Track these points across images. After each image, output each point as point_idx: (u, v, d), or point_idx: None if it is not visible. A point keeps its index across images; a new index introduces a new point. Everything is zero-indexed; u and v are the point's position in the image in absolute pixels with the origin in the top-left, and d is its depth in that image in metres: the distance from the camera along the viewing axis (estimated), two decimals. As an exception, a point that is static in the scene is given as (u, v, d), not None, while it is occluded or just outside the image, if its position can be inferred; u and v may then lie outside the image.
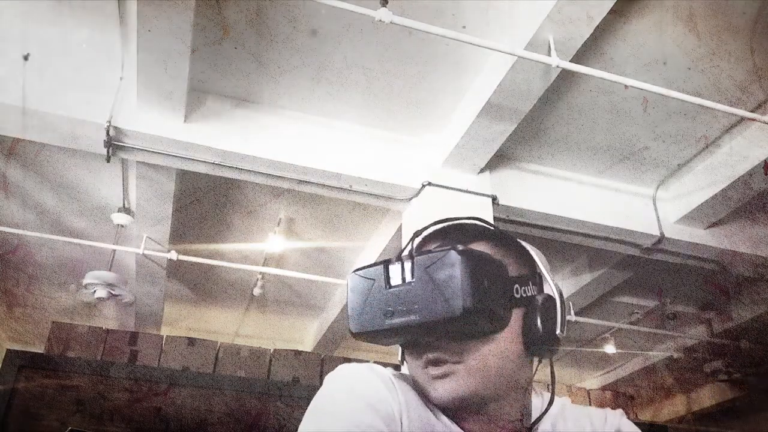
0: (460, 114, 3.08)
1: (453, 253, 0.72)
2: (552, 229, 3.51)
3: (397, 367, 0.86)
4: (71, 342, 3.45)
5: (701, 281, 4.42)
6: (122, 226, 3.91)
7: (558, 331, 0.77)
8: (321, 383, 0.78)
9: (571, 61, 2.51)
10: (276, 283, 4.94)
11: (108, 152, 2.90)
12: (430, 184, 3.19)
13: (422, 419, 0.76)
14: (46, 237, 4.03)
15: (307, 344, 5.94)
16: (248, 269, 4.31)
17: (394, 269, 0.76)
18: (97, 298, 3.94)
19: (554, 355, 0.81)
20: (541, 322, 0.77)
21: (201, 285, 5.18)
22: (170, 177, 3.35)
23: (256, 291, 4.92)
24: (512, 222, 3.43)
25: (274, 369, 3.61)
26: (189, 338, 3.62)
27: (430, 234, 0.86)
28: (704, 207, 3.48)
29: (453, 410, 0.78)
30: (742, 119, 3.10)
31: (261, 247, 4.38)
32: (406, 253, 0.79)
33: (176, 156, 3.00)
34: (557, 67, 2.45)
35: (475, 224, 0.84)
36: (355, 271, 0.79)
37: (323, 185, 3.20)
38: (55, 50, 2.85)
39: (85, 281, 3.91)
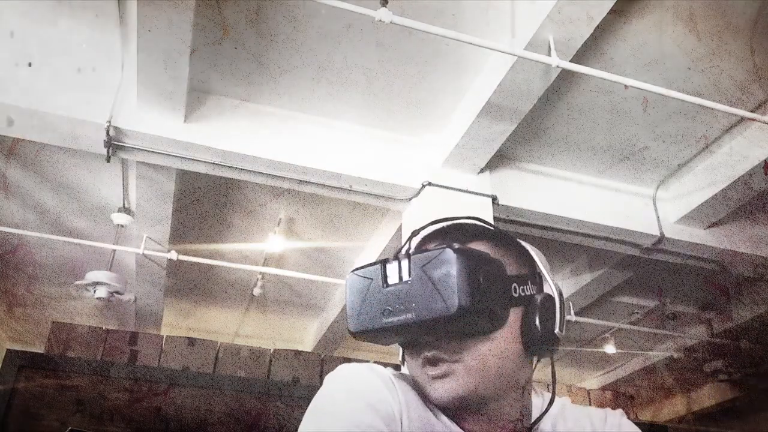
0: (460, 114, 3.08)
1: (449, 251, 0.72)
2: (552, 229, 3.51)
3: (397, 367, 0.86)
4: (71, 342, 3.45)
5: (701, 281, 4.42)
6: (122, 226, 3.91)
7: (557, 331, 0.78)
8: (321, 383, 0.78)
9: (571, 61, 2.51)
10: (276, 283, 4.94)
11: (108, 152, 2.90)
12: (430, 184, 3.19)
13: (422, 419, 0.76)
14: (46, 237, 4.03)
15: (307, 344, 5.94)
16: (248, 269, 4.31)
17: (392, 268, 0.76)
18: (97, 298, 3.94)
19: (554, 354, 0.81)
20: (540, 322, 0.77)
21: (201, 285, 5.18)
22: (170, 177, 3.35)
23: (256, 291, 4.92)
24: (512, 222, 3.43)
25: (274, 369, 3.61)
26: (189, 338, 3.62)
27: (429, 234, 0.86)
28: (704, 207, 3.48)
29: (453, 410, 0.78)
30: (742, 119, 3.10)
31: (261, 247, 4.38)
32: (403, 252, 0.79)
33: (176, 156, 3.00)
34: (557, 67, 2.45)
35: (474, 224, 0.84)
36: (353, 270, 0.80)
37: (323, 185, 3.20)
38: (55, 50, 2.85)
39: (85, 281, 3.91)
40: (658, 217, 3.58)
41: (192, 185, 3.72)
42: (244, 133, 3.05)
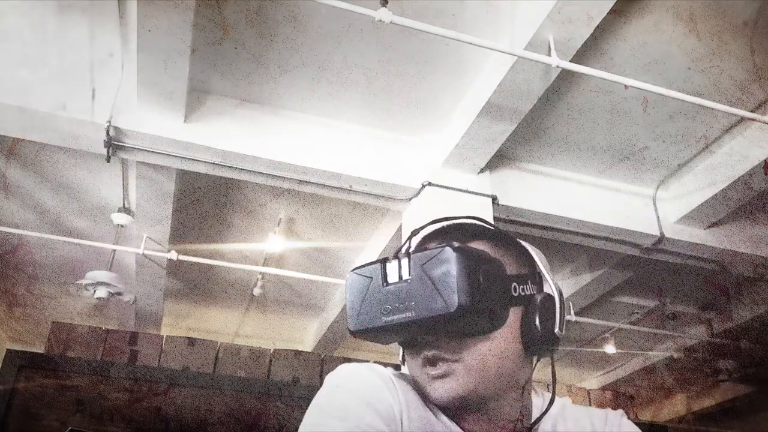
0: (460, 114, 3.08)
1: (448, 249, 0.72)
2: (552, 229, 3.51)
3: (397, 367, 0.86)
4: (71, 342, 3.45)
5: (701, 281, 4.42)
6: (122, 226, 3.91)
7: (557, 331, 0.78)
8: (321, 383, 0.78)
9: (571, 61, 2.51)
10: (276, 283, 4.94)
11: (108, 152, 2.90)
12: (430, 184, 3.19)
13: (422, 419, 0.76)
14: (46, 237, 4.03)
15: (307, 344, 5.94)
16: (248, 269, 4.31)
17: (391, 267, 0.76)
18: (97, 298, 3.94)
19: (554, 354, 0.81)
20: (540, 321, 0.77)
21: (201, 285, 5.18)
22: (170, 177, 3.35)
23: (256, 291, 4.92)
24: (512, 222, 3.43)
25: (274, 369, 3.61)
26: (189, 338, 3.62)
27: (429, 233, 0.87)
28: (704, 207, 3.48)
29: (453, 410, 0.78)
30: (742, 119, 3.10)
31: (261, 247, 4.38)
32: (403, 251, 0.79)
33: (176, 156, 3.00)
34: (557, 67, 2.45)
35: (474, 224, 0.84)
36: (353, 269, 0.80)
37: (323, 185, 3.20)
38: (55, 50, 2.85)
39: (85, 281, 3.91)
40: (658, 217, 3.58)
41: (192, 185, 3.72)
42: (244, 133, 3.05)
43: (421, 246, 0.84)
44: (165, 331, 5.37)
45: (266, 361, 3.63)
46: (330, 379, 0.78)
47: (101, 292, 3.89)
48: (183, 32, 2.46)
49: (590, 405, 4.43)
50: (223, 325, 5.92)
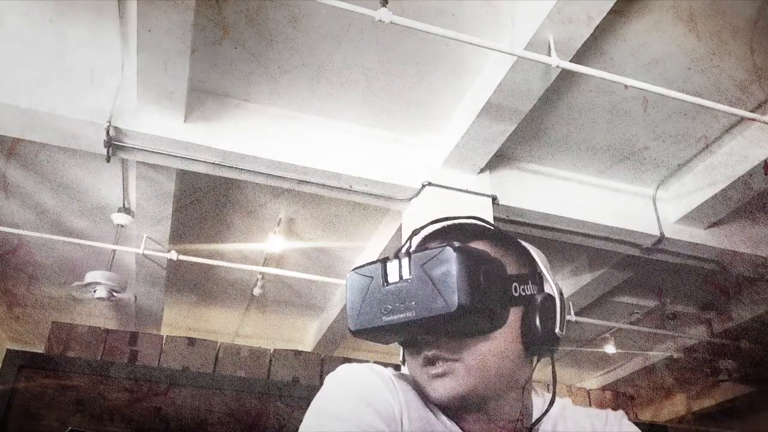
0: (460, 114, 3.08)
1: (449, 249, 0.72)
2: (552, 229, 3.51)
3: (397, 367, 0.86)
4: (71, 342, 3.45)
5: (701, 281, 4.41)
6: (122, 226, 3.91)
7: (557, 330, 0.77)
8: (321, 383, 0.78)
9: (571, 61, 2.51)
10: (276, 283, 4.94)
11: (108, 152, 2.90)
12: (430, 184, 3.19)
13: (422, 419, 0.76)
14: (46, 237, 4.03)
15: (307, 344, 5.94)
16: (248, 269, 4.31)
17: (392, 266, 0.76)
18: (97, 298, 3.94)
19: (554, 354, 0.81)
20: (541, 321, 0.77)
21: (201, 285, 5.18)
22: (170, 177, 3.35)
23: (256, 291, 4.92)
24: (512, 222, 3.43)
25: (274, 369, 3.61)
26: (189, 338, 3.62)
27: (429, 233, 0.87)
28: (704, 207, 3.48)
29: (453, 410, 0.78)
30: (742, 119, 3.10)
31: (261, 247, 4.38)
32: (403, 250, 0.79)
33: (176, 156, 3.00)
34: (557, 67, 2.45)
35: (475, 224, 0.84)
36: (354, 269, 0.80)
37: (323, 185, 3.20)
38: (55, 50, 2.85)
39: (85, 281, 3.91)
40: (658, 217, 3.58)
41: (192, 185, 3.72)
42: (244, 133, 3.05)
43: (422, 246, 0.84)
44: (165, 331, 5.37)
45: (266, 361, 3.63)
46: (330, 379, 0.78)
47: (101, 292, 3.89)
48: (183, 32, 2.46)
49: (590, 405, 4.43)
50: (223, 325, 5.92)
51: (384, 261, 0.77)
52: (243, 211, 4.08)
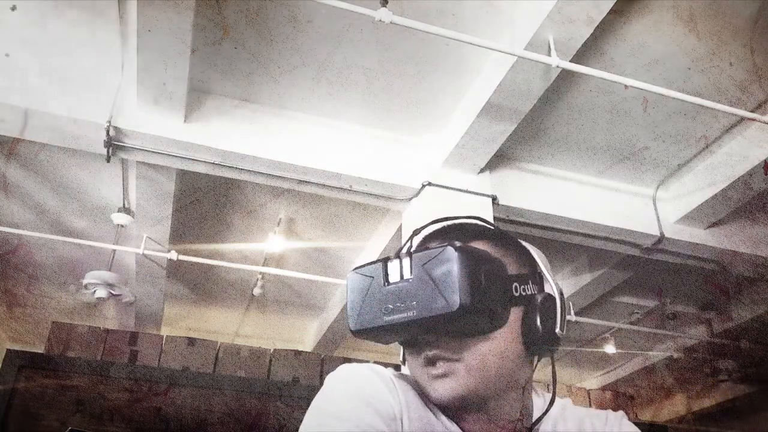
0: (460, 114, 3.08)
1: (450, 249, 0.72)
2: (552, 229, 3.51)
3: (397, 367, 0.86)
4: (71, 342, 3.46)
5: (701, 281, 4.41)
6: (122, 226, 3.91)
7: (558, 330, 0.77)
8: (321, 383, 0.78)
9: (571, 61, 2.51)
10: (276, 283, 4.94)
11: (108, 152, 2.90)
12: (430, 184, 3.19)
13: (422, 419, 0.76)
14: (46, 237, 4.03)
15: (307, 344, 5.94)
16: (248, 269, 4.31)
17: (393, 266, 0.76)
18: (97, 298, 3.94)
19: (554, 354, 0.81)
20: (541, 321, 0.77)
21: (201, 285, 5.18)
22: (170, 177, 3.35)
23: (256, 291, 4.92)
24: (512, 222, 3.43)
25: (274, 369, 3.61)
26: (189, 338, 3.62)
27: (430, 233, 0.87)
28: (704, 207, 3.48)
29: (453, 410, 0.78)
30: (742, 119, 3.10)
31: (261, 247, 4.38)
32: (404, 250, 0.79)
33: (176, 156, 3.00)
34: (557, 67, 2.45)
35: (475, 224, 0.84)
36: (354, 269, 0.80)
37: (323, 185, 3.20)
38: (55, 50, 2.85)
39: (85, 281, 3.91)
40: (658, 217, 3.58)
41: (192, 185, 3.72)
42: (244, 133, 3.05)
43: (422, 246, 0.84)
44: (165, 331, 5.37)
45: (266, 361, 3.63)
46: (330, 379, 0.78)
47: (101, 292, 3.89)
48: (183, 32, 2.46)
49: (590, 405, 4.43)
50: (223, 325, 5.92)
51: (385, 261, 0.77)
52: (243, 211, 4.08)
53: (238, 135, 3.04)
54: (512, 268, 0.79)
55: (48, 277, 5.05)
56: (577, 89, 2.98)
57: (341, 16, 2.55)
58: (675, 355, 5.47)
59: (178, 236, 4.15)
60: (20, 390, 2.91)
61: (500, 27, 2.61)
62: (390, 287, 0.75)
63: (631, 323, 5.13)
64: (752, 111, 3.01)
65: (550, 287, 0.80)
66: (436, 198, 3.18)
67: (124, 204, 3.84)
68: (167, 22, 2.40)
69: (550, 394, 0.82)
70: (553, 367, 0.82)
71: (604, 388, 6.08)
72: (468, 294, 0.70)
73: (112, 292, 3.95)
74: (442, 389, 0.75)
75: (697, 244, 3.65)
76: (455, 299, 0.70)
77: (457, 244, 0.73)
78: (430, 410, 0.78)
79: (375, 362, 0.85)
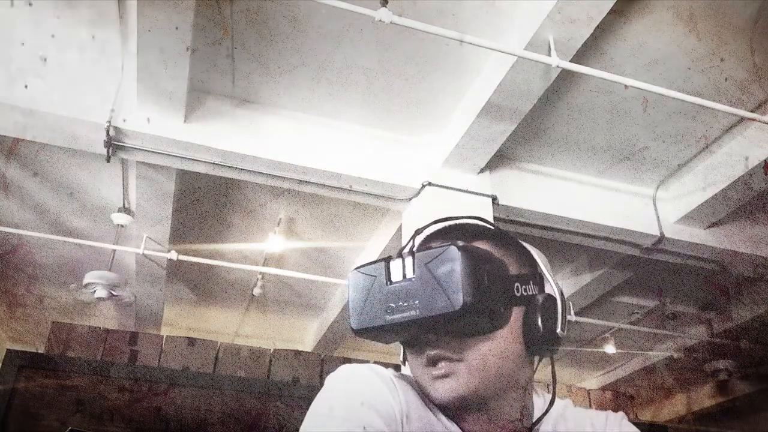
0: (460, 114, 3.08)
1: (453, 248, 0.72)
2: (552, 229, 3.51)
3: (397, 368, 0.86)
4: (71, 342, 3.46)
5: (701, 281, 4.41)
6: (122, 226, 3.91)
7: (558, 330, 0.78)
8: (321, 383, 0.78)
9: (571, 61, 2.51)
10: (276, 283, 4.94)
11: (108, 152, 2.90)
12: (430, 184, 3.19)
13: (422, 419, 0.76)
14: (46, 237, 4.03)
15: (307, 344, 5.94)
16: (248, 269, 4.31)
17: (395, 265, 0.76)
18: (97, 298, 3.94)
19: (554, 354, 0.81)
20: (542, 321, 0.77)
21: (201, 285, 5.18)
22: (170, 177, 3.35)
23: (256, 291, 4.92)
24: (512, 222, 3.43)
25: (274, 369, 3.61)
26: (189, 338, 3.62)
27: (431, 233, 0.87)
28: (704, 207, 3.48)
29: (453, 410, 0.78)
30: (742, 119, 3.10)
31: (261, 247, 4.38)
32: (407, 249, 0.79)
33: (176, 156, 3.00)
34: (557, 67, 2.45)
35: (476, 224, 0.84)
36: (356, 268, 0.80)
37: (323, 185, 3.20)
38: (55, 50, 2.84)
39: (85, 281, 3.91)
40: (658, 217, 3.58)
41: (192, 185, 3.72)
42: (244, 133, 3.05)
43: (423, 245, 0.84)
44: (165, 331, 5.37)
45: (266, 361, 3.63)
46: (330, 379, 0.78)
47: (101, 292, 3.89)
48: (183, 32, 2.46)
49: (590, 405, 4.43)
50: (223, 325, 5.92)
51: (387, 260, 0.77)
52: (243, 211, 4.08)
53: (238, 135, 3.04)
54: (513, 269, 0.79)
55: (48, 277, 5.04)
56: (577, 89, 2.98)
57: (341, 16, 2.55)
58: (675, 355, 5.47)
59: (178, 236, 4.15)
60: (20, 390, 2.91)
61: (500, 27, 2.61)
62: (392, 286, 0.75)
63: (631, 323, 5.13)
64: (752, 111, 3.01)
65: (550, 287, 0.81)
66: (436, 198, 3.18)
67: (124, 204, 3.84)
68: (167, 22, 2.40)
69: (551, 395, 0.82)
70: (553, 367, 0.82)
71: (604, 388, 6.08)
72: (471, 293, 0.70)
73: (112, 292, 3.95)
74: (444, 389, 0.75)
75: (697, 244, 3.65)
76: (458, 298, 0.70)
77: (460, 243, 0.73)
78: (431, 410, 0.78)
79: (375, 362, 0.85)
